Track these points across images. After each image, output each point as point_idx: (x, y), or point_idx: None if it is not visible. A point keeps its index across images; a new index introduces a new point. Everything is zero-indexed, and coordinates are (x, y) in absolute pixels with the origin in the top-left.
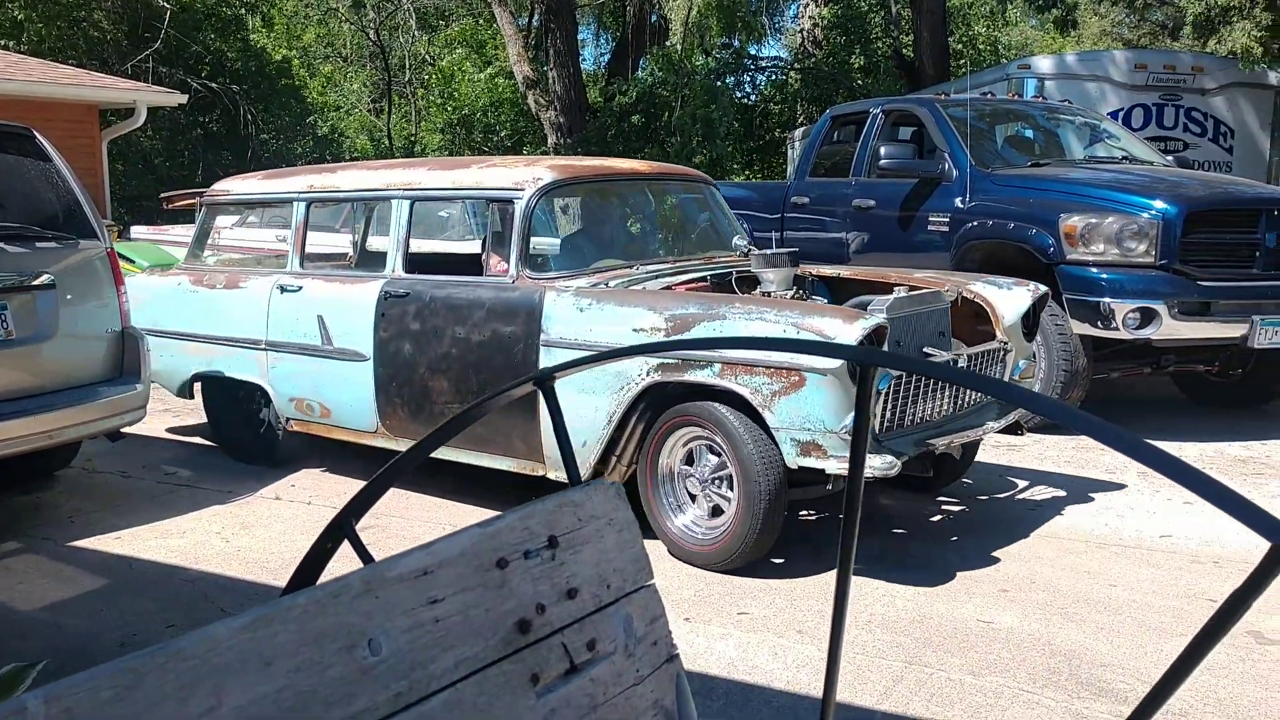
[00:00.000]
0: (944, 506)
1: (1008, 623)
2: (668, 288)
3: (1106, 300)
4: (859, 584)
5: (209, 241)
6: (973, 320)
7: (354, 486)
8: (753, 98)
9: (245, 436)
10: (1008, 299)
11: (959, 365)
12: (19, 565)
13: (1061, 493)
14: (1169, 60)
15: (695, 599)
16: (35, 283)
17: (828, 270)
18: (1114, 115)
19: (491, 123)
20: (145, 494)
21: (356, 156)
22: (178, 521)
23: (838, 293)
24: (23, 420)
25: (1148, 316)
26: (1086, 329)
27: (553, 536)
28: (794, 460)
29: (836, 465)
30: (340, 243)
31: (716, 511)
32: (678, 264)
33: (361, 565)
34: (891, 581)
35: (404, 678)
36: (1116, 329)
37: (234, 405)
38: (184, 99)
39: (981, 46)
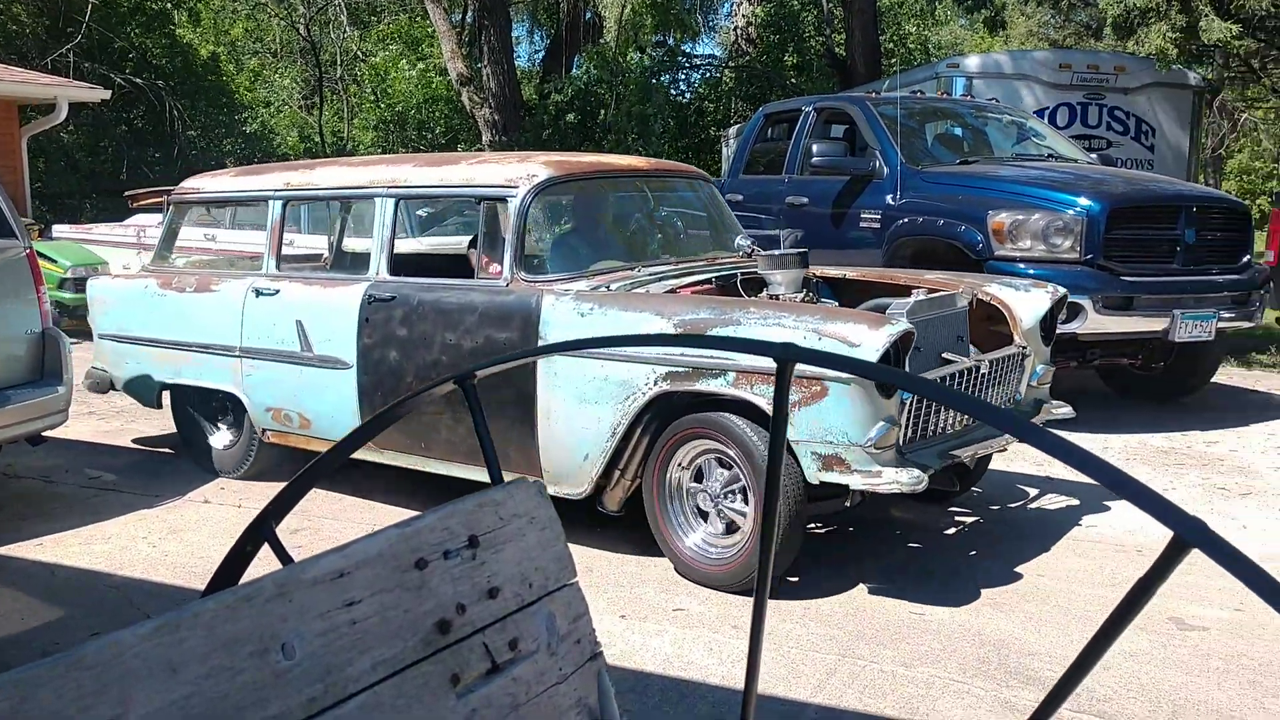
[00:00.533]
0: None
1: (939, 615)
2: (672, 291)
3: None
4: (793, 579)
5: (175, 243)
6: (985, 322)
7: None
8: (687, 96)
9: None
10: (1025, 302)
11: (981, 372)
12: None
13: (983, 487)
14: (1093, 60)
15: (630, 596)
16: None
17: (833, 271)
18: (1040, 114)
19: (425, 120)
20: (69, 499)
21: (289, 155)
22: (103, 527)
23: (843, 294)
24: None
25: (1073, 311)
26: None
27: (473, 536)
28: (815, 475)
29: (861, 481)
30: (312, 244)
31: (731, 528)
32: (680, 265)
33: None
34: (825, 579)
35: (319, 681)
36: None
37: (205, 415)
38: (107, 95)
39: (912, 45)
